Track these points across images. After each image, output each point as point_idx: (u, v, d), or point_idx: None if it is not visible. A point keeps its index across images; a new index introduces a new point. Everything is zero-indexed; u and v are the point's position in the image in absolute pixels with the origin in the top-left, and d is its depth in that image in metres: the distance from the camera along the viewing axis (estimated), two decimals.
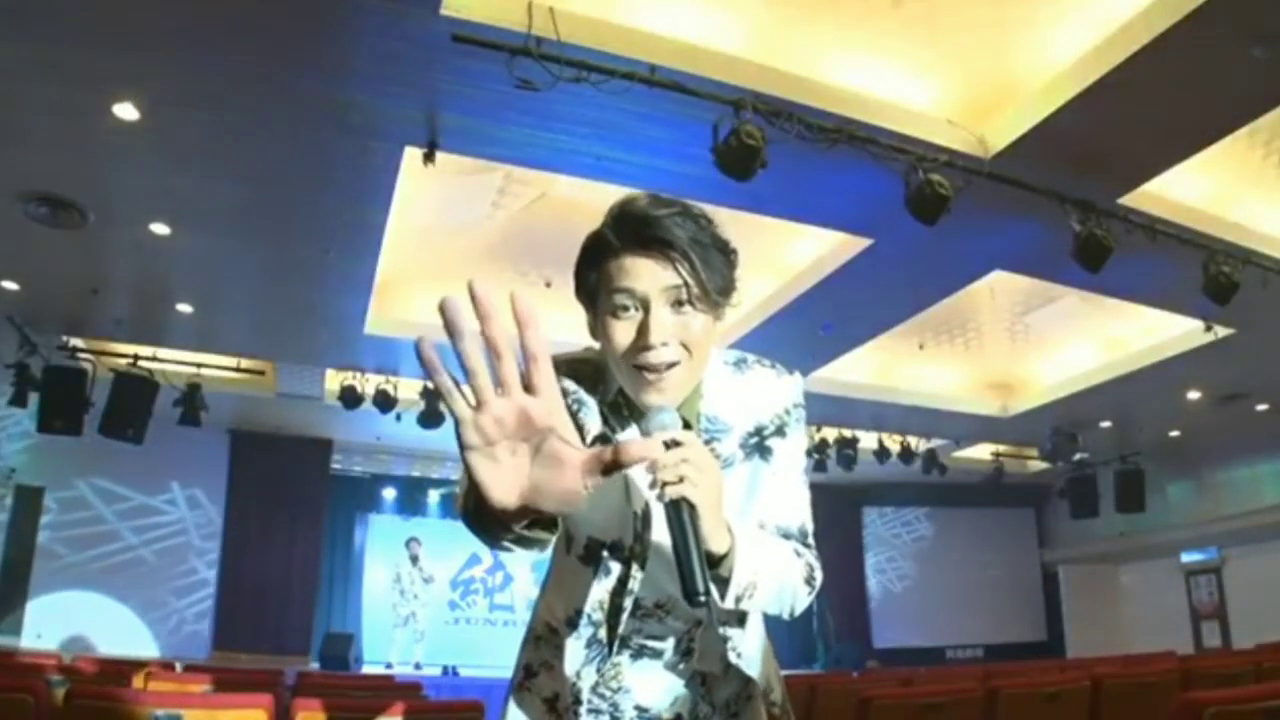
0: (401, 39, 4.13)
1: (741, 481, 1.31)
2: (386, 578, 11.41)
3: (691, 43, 4.56)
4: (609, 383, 1.30)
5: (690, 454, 1.07)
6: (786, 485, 1.34)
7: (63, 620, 9.87)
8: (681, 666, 1.38)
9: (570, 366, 1.30)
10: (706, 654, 1.36)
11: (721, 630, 1.32)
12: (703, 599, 1.03)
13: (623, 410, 1.29)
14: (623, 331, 1.20)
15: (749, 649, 1.37)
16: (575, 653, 1.34)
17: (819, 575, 1.33)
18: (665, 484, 1.06)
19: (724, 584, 1.15)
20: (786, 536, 1.32)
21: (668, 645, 1.36)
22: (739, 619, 1.33)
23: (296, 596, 10.82)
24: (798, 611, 1.31)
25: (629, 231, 1.20)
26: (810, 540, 1.35)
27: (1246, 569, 11.31)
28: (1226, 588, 11.61)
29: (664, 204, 1.22)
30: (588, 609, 1.32)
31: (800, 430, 1.37)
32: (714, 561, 1.13)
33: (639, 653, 1.35)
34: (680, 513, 1.05)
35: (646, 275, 1.19)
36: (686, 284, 1.19)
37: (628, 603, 1.28)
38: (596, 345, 1.30)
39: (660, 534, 1.23)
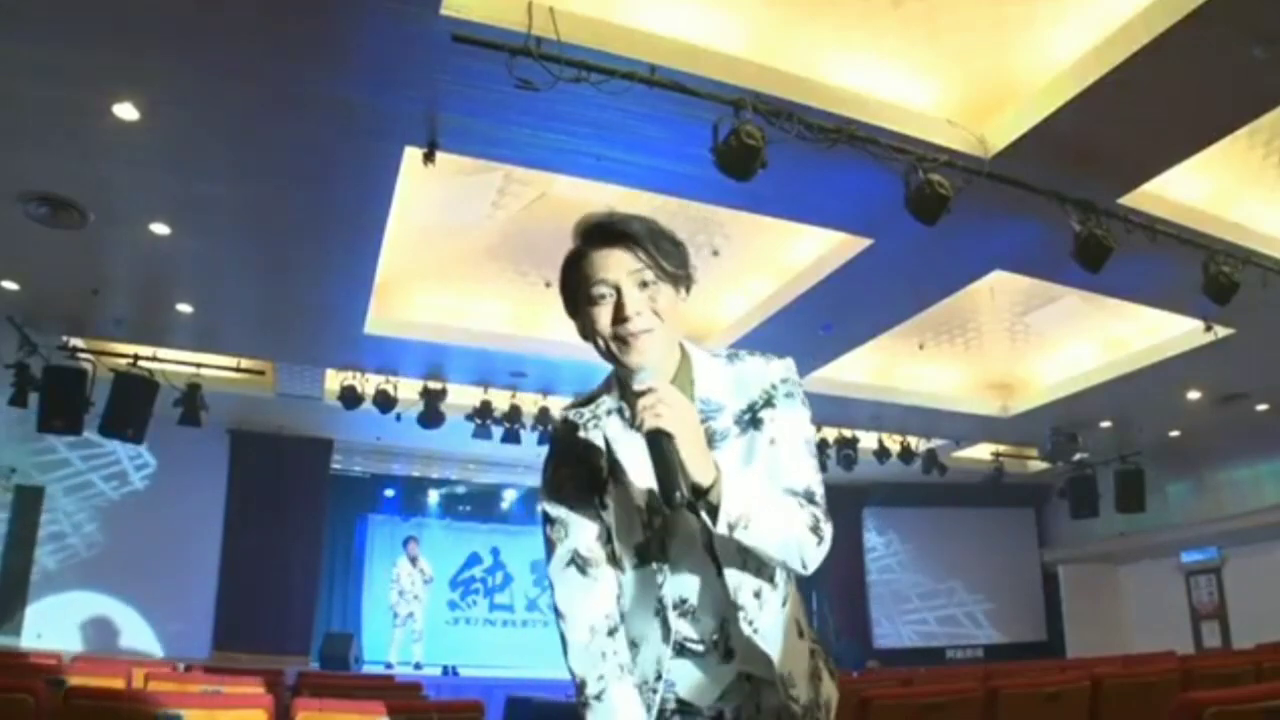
0: (401, 39, 4.13)
1: (737, 454, 1.44)
2: (386, 578, 11.41)
3: (691, 43, 4.56)
4: (614, 392, 1.52)
5: (662, 394, 1.29)
6: (788, 452, 1.45)
7: (63, 620, 9.88)
8: (724, 667, 1.49)
9: (585, 398, 1.57)
10: (748, 656, 1.46)
11: (733, 594, 1.42)
12: (679, 498, 1.25)
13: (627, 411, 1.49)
14: (604, 314, 1.42)
15: (766, 624, 1.44)
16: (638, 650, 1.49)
17: (827, 529, 1.41)
18: (643, 420, 1.28)
19: (714, 512, 1.30)
20: (791, 494, 1.42)
21: (703, 644, 1.48)
22: (754, 592, 1.44)
23: (296, 596, 10.82)
24: (809, 564, 1.40)
25: (594, 233, 1.45)
26: (818, 500, 1.43)
27: (1246, 569, 11.31)
28: (1226, 588, 11.60)
29: (618, 212, 1.48)
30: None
31: (794, 404, 1.49)
32: (701, 492, 1.30)
33: (680, 650, 1.48)
34: (659, 441, 1.27)
35: (614, 264, 1.42)
36: (647, 265, 1.42)
37: (666, 599, 1.44)
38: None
39: (680, 541, 1.44)
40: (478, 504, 13.45)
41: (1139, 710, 4.01)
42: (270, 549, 10.85)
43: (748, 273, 7.83)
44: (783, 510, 1.37)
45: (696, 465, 1.29)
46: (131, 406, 8.19)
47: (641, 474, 1.40)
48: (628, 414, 1.47)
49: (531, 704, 6.61)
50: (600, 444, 1.48)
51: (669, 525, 1.44)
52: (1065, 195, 5.26)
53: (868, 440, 11.13)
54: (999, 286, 8.51)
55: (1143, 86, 4.51)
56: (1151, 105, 4.68)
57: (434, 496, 13.05)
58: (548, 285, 8.17)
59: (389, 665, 10.27)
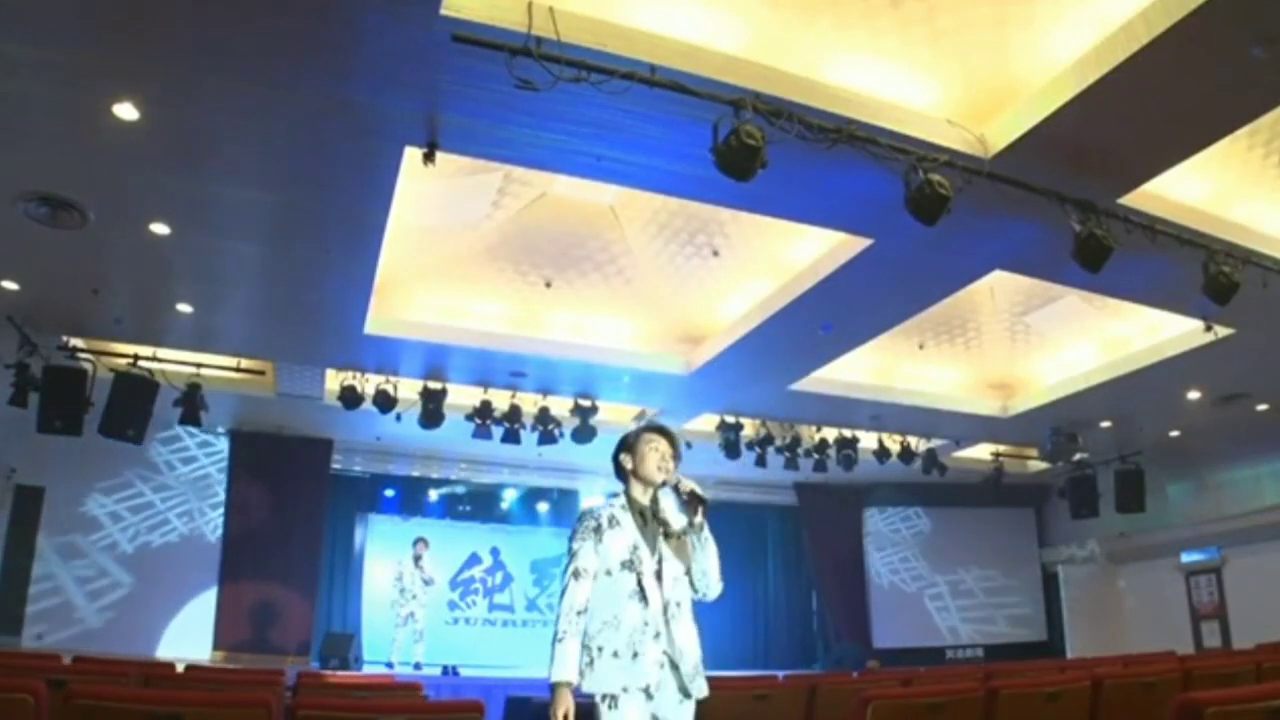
0: (401, 39, 4.13)
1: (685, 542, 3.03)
2: (386, 578, 11.39)
3: (691, 43, 4.56)
4: (634, 503, 3.06)
5: (692, 485, 3.00)
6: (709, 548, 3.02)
7: (63, 620, 9.88)
8: (659, 641, 2.89)
9: (617, 503, 3.06)
10: (672, 638, 2.90)
11: (672, 606, 2.93)
12: (695, 524, 2.97)
13: (645, 513, 3.04)
14: (653, 458, 3.06)
15: (684, 622, 2.97)
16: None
17: (718, 586, 3.03)
18: (692, 490, 2.96)
19: (701, 529, 2.98)
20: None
21: (658, 628, 2.93)
22: (677, 603, 2.96)
23: (297, 596, 10.82)
24: (710, 595, 3.03)
25: (654, 428, 3.16)
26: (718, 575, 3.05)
27: (1246, 569, 11.30)
28: (1226, 588, 11.60)
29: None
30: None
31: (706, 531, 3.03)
32: (698, 525, 2.99)
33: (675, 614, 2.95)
34: (699, 500, 2.96)
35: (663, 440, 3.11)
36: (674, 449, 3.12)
37: (666, 573, 2.96)
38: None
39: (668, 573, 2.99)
40: (478, 504, 13.44)
41: (1139, 710, 4.01)
42: (270, 549, 10.85)
43: (748, 273, 7.83)
44: (712, 556, 3.03)
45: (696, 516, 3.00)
46: (131, 406, 8.19)
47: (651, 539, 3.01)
48: (644, 519, 3.02)
49: (531, 704, 6.59)
50: (623, 522, 2.99)
51: (663, 563, 2.97)
52: (1065, 195, 5.26)
53: (868, 440, 11.13)
54: (999, 286, 8.51)
55: (1143, 86, 4.51)
56: (1151, 105, 4.68)
57: (434, 496, 13.04)
58: (548, 285, 8.17)
59: (389, 665, 10.26)
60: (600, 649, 2.78)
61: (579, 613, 2.80)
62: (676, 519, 3.01)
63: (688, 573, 2.96)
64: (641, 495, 3.03)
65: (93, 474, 10.30)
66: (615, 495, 3.08)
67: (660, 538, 2.96)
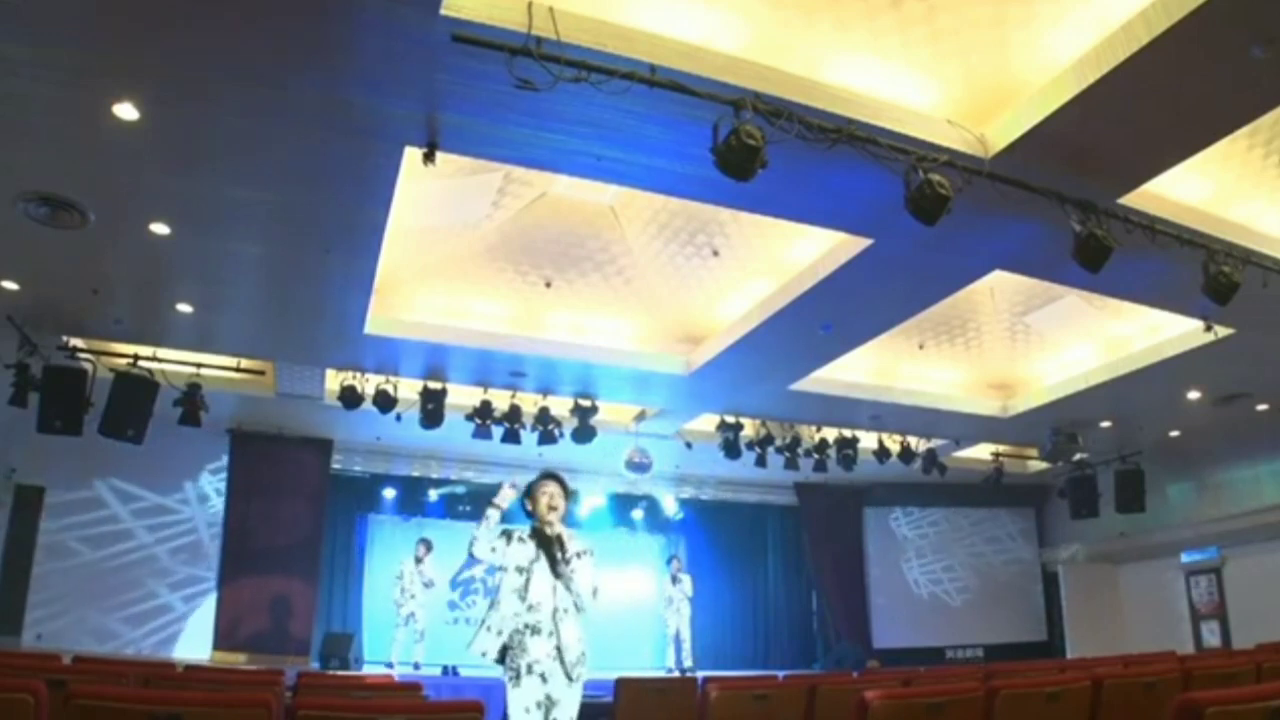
0: (401, 39, 4.13)
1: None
2: (387, 578, 11.40)
3: (691, 43, 4.56)
4: (536, 533, 4.13)
5: (559, 533, 4.10)
6: (587, 569, 4.02)
7: (63, 620, 9.87)
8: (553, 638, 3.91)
9: (525, 530, 4.13)
10: (561, 632, 3.93)
11: (562, 610, 3.98)
12: (562, 557, 4.01)
13: (543, 540, 4.08)
14: (545, 500, 4.15)
15: (570, 623, 3.98)
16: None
17: (588, 604, 4.02)
18: (558, 535, 4.07)
19: (566, 561, 4.03)
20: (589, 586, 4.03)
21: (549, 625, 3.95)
22: (564, 610, 4.00)
23: (297, 596, 10.82)
24: (585, 608, 4.01)
25: (545, 475, 4.31)
26: (596, 594, 4.05)
27: (1246, 569, 11.31)
28: (1226, 588, 11.60)
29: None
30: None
31: (590, 559, 4.03)
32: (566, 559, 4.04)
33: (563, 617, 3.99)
34: (562, 545, 4.06)
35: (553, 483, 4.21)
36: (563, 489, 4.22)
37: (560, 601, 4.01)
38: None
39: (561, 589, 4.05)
40: (478, 504, 13.41)
41: (1139, 710, 4.01)
42: (270, 549, 10.85)
43: (748, 273, 7.83)
44: (586, 580, 4.00)
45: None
46: (131, 406, 8.19)
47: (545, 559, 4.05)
48: (540, 540, 4.08)
49: None
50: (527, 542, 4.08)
51: (560, 579, 3.99)
52: (1065, 195, 5.26)
53: (868, 440, 11.14)
54: (999, 286, 8.52)
55: (1143, 86, 4.51)
56: (1151, 105, 4.68)
57: (434, 496, 13.03)
58: (548, 285, 8.17)
59: (389, 665, 10.26)
60: (500, 631, 3.94)
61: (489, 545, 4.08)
62: (563, 550, 4.00)
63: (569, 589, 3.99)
64: (542, 527, 4.09)
65: (93, 474, 10.30)
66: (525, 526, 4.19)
67: (560, 560, 3.98)
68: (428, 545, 11.00)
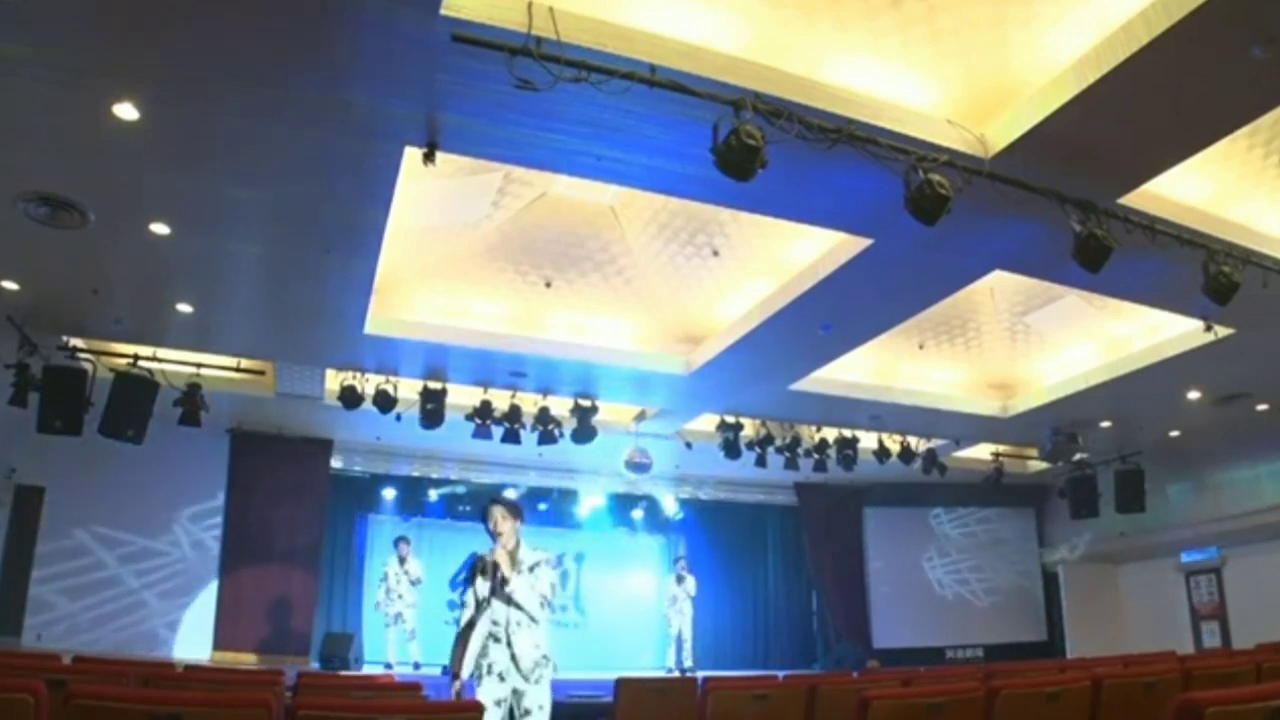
0: (401, 39, 4.13)
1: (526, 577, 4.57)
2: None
3: (691, 43, 4.56)
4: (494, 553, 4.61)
5: (494, 559, 4.62)
6: (545, 581, 4.59)
7: (63, 620, 9.87)
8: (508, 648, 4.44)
9: (488, 557, 4.61)
10: (514, 643, 4.43)
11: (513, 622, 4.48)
12: (501, 578, 4.52)
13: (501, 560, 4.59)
14: (491, 527, 4.71)
15: (523, 635, 4.47)
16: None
17: (535, 614, 4.49)
18: (494, 562, 4.58)
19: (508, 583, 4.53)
20: (541, 595, 4.55)
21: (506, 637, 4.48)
22: (517, 622, 4.49)
23: (297, 596, 10.82)
24: (537, 619, 4.49)
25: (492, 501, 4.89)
26: (548, 600, 4.58)
27: (1246, 569, 11.31)
28: (1226, 588, 11.61)
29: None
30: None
31: (546, 569, 4.62)
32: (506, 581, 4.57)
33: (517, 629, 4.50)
34: (496, 568, 4.60)
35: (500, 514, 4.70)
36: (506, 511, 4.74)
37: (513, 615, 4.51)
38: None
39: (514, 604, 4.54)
40: (478, 504, 13.40)
41: (1139, 710, 4.01)
42: (270, 549, 10.85)
43: (748, 273, 7.83)
44: (535, 592, 4.51)
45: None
46: (131, 406, 8.18)
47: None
48: (497, 567, 4.54)
49: None
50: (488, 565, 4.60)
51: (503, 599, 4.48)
52: (1065, 195, 5.26)
53: (868, 440, 11.13)
54: (999, 286, 8.52)
55: (1143, 86, 4.51)
56: (1151, 105, 4.68)
57: (434, 496, 13.03)
58: (548, 285, 8.17)
59: (389, 665, 10.26)
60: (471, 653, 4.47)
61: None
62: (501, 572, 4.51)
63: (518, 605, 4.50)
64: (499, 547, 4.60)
65: (93, 474, 10.28)
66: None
67: (500, 582, 4.47)
68: (407, 542, 11.03)
